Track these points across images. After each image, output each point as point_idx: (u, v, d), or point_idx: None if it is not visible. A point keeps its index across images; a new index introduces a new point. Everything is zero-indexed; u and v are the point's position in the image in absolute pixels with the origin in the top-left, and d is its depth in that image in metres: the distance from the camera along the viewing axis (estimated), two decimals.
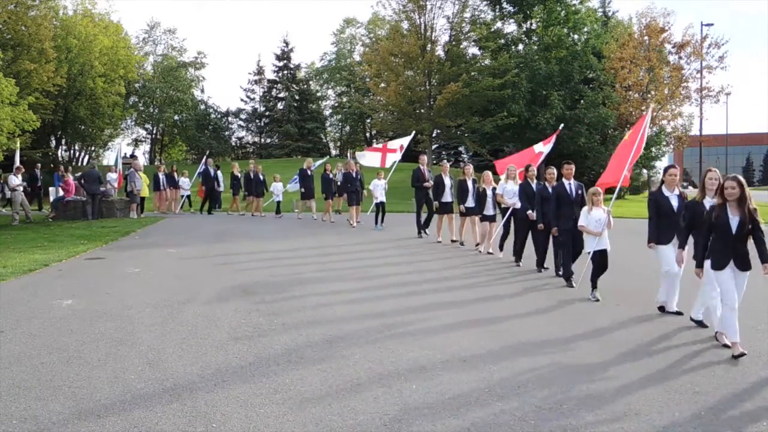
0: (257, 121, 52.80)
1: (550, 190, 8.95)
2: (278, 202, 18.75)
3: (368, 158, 17.78)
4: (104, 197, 18.35)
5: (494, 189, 11.21)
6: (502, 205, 10.94)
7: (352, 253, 11.30)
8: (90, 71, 35.45)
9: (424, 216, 13.73)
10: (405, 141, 18.20)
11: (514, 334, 5.93)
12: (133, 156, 44.82)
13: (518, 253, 9.98)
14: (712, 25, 36.03)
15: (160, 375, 4.76)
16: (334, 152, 57.48)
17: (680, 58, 32.12)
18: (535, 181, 9.94)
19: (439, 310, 6.87)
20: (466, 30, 35.07)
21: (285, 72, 52.07)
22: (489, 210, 11.17)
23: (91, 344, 5.54)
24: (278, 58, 51.99)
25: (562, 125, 15.13)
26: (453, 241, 12.34)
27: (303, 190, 17.54)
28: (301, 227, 15.74)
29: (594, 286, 7.53)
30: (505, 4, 35.07)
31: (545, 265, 9.44)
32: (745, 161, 76.48)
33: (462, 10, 34.24)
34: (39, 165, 23.76)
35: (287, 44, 52.10)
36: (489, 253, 11.07)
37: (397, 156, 17.46)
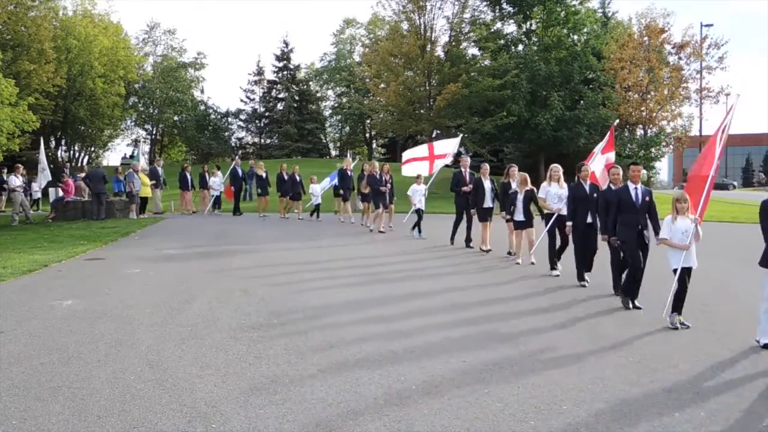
0: (257, 121, 52.82)
1: (602, 192, 7.84)
2: (317, 205, 17.81)
3: (413, 168, 15.63)
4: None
5: (528, 191, 10.11)
6: (545, 211, 9.62)
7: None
8: (90, 72, 35.46)
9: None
10: (454, 145, 16.17)
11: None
12: (132, 156, 44.84)
13: (580, 269, 8.48)
14: (711, 25, 36.16)
15: (160, 375, 4.76)
16: (333, 153, 57.48)
17: (680, 58, 32.15)
18: (588, 182, 8.69)
19: (439, 313, 6.88)
20: (465, 30, 35.05)
21: (285, 72, 52.09)
22: (521, 215, 10.08)
23: (90, 345, 5.54)
24: (278, 58, 52.02)
25: (617, 120, 13.78)
26: (483, 250, 11.41)
27: (342, 191, 16.97)
28: (305, 228, 15.71)
29: (678, 311, 6.31)
30: (504, 5, 35.04)
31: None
32: (744, 161, 76.42)
33: (462, 10, 34.23)
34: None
35: (287, 45, 52.16)
36: (531, 263, 10.03)
37: (447, 160, 15.79)
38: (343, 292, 7.80)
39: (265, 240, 13.11)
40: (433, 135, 37.65)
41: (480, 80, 31.88)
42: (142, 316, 6.51)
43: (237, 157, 20.99)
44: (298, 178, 17.90)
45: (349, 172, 17.08)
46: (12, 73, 25.40)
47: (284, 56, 52.00)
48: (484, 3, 34.85)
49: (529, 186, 10.18)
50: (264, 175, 18.87)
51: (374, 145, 58.90)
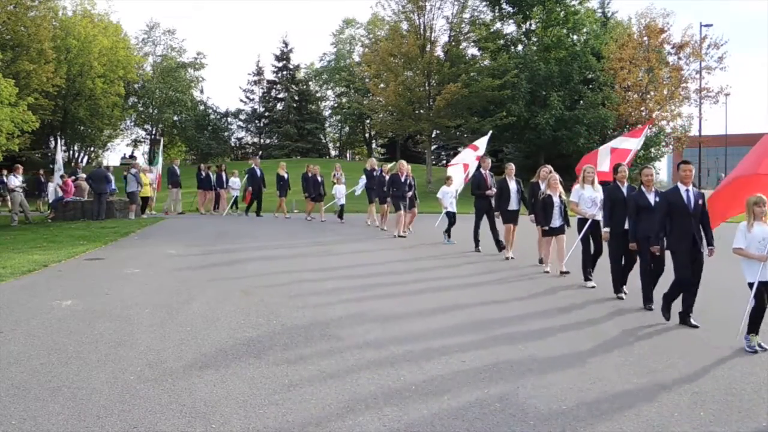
0: (256, 121, 52.75)
1: (650, 196, 7.12)
2: (341, 206, 17.08)
3: (456, 178, 14.40)
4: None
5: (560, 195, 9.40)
6: (577, 216, 8.84)
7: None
8: (89, 72, 35.43)
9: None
10: (483, 143, 15.18)
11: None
12: (132, 157, 44.84)
13: (618, 282, 7.74)
14: (711, 25, 36.19)
15: (160, 376, 4.75)
16: (333, 153, 57.47)
17: (679, 58, 32.15)
18: (625, 183, 7.96)
19: (437, 314, 6.87)
20: (465, 30, 35.06)
21: (284, 72, 52.03)
22: (557, 221, 9.27)
23: (90, 345, 5.53)
24: (277, 58, 51.96)
25: (653, 117, 12.28)
26: (506, 257, 10.73)
27: (368, 193, 16.25)
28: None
29: (755, 331, 5.62)
30: (504, 5, 35.05)
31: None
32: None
33: (461, 10, 34.23)
34: (42, 171, 23.74)
35: (286, 45, 52.06)
36: (563, 272, 9.14)
37: (479, 152, 14.55)
38: (343, 293, 7.80)
39: (266, 240, 13.10)
40: (433, 135, 37.67)
41: (480, 80, 31.89)
42: (141, 316, 6.51)
43: (257, 158, 20.53)
44: (319, 179, 17.31)
45: (374, 173, 16.08)
46: (11, 73, 25.38)
47: (284, 56, 51.95)
48: (484, 3, 34.87)
49: (559, 188, 9.43)
50: (285, 175, 18.27)
51: (374, 145, 58.88)
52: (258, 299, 7.34)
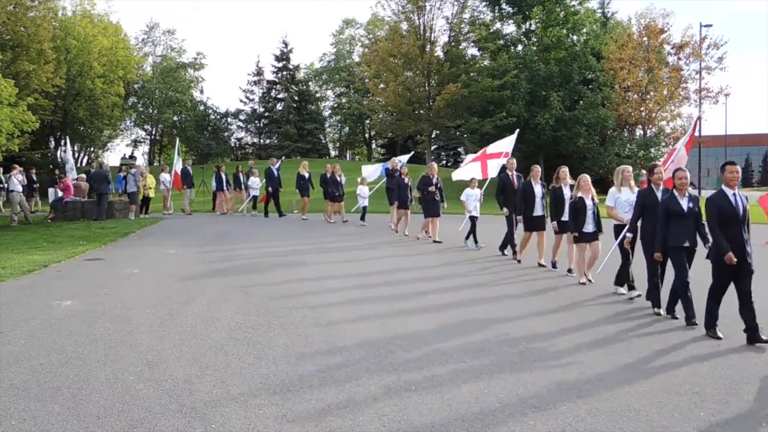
0: (256, 122, 52.75)
1: (683, 201, 6.52)
2: (364, 208, 16.40)
3: (465, 172, 14.26)
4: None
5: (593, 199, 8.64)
6: (614, 222, 8.22)
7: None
8: (89, 72, 35.42)
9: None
10: (510, 142, 14.27)
11: None
12: (132, 157, 44.80)
13: (653, 294, 7.00)
14: (711, 26, 36.19)
15: (160, 376, 4.75)
16: (333, 153, 57.46)
17: (679, 59, 32.16)
18: (661, 185, 7.32)
19: (438, 312, 6.87)
20: (465, 31, 35.11)
21: (284, 73, 52.03)
22: (589, 225, 8.50)
23: (90, 345, 5.53)
24: (277, 59, 51.97)
25: (701, 113, 10.67)
26: (540, 264, 9.97)
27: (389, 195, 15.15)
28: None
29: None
30: (504, 5, 35.07)
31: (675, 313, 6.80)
32: (744, 162, 76.56)
33: (461, 10, 34.29)
34: (34, 169, 23.72)
35: (286, 45, 52.08)
36: (588, 281, 8.54)
37: (503, 160, 12.98)
38: (344, 294, 7.80)
39: (266, 241, 13.10)
40: (433, 135, 37.68)
41: (479, 80, 31.92)
42: (141, 317, 6.51)
43: (275, 158, 19.91)
44: (339, 179, 16.74)
45: (395, 174, 14.92)
46: (11, 73, 25.36)
47: (283, 56, 51.95)
48: (484, 3, 34.89)
49: (591, 191, 8.68)
50: (307, 175, 17.81)
51: (374, 146, 58.92)
52: (258, 299, 7.34)
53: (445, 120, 32.66)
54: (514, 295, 7.85)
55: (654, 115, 31.95)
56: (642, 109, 31.79)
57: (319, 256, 10.97)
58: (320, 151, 52.76)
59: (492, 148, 14.52)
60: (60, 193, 18.85)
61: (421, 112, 33.86)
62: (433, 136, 37.94)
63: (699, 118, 9.84)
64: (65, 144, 21.07)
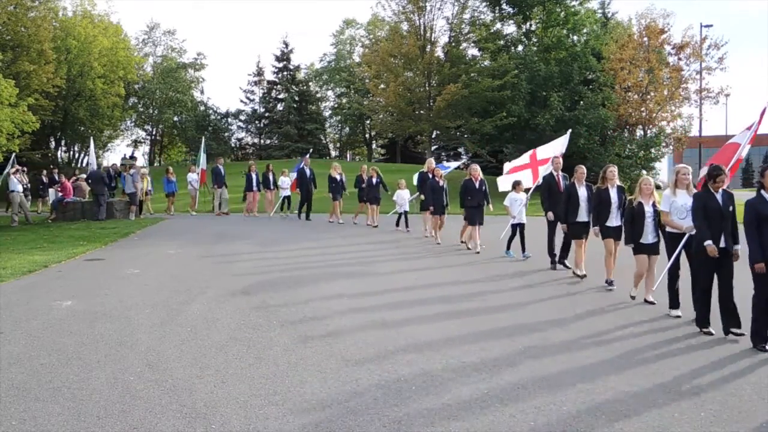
0: (257, 122, 52.72)
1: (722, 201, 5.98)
2: (402, 213, 15.11)
3: (512, 180, 12.10)
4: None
5: (654, 205, 7.47)
6: (666, 229, 7.11)
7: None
8: (89, 72, 35.43)
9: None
10: (563, 143, 12.57)
11: None
12: (132, 157, 44.79)
13: (704, 311, 6.23)
14: (711, 26, 36.16)
15: (160, 376, 4.76)
16: (333, 153, 57.47)
17: (680, 59, 32.12)
18: (721, 191, 6.29)
19: (439, 310, 6.87)
20: (465, 31, 35.12)
21: (284, 73, 51.99)
22: (649, 236, 7.42)
23: (90, 345, 5.54)
24: (278, 59, 51.94)
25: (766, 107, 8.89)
26: (578, 275, 8.96)
27: (423, 197, 13.96)
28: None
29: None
30: (504, 6, 35.06)
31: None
32: (744, 162, 76.57)
33: (461, 11, 34.30)
34: (45, 171, 23.79)
35: (287, 45, 52.04)
36: (647, 301, 7.41)
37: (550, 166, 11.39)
38: (344, 295, 7.79)
39: (266, 241, 13.09)
40: (433, 135, 37.67)
41: (480, 81, 31.92)
42: (141, 317, 6.51)
43: (307, 156, 18.91)
44: (375, 181, 15.83)
45: (428, 177, 13.68)
46: (12, 73, 25.37)
47: (284, 57, 51.92)
48: (484, 3, 34.90)
49: (654, 197, 7.55)
50: (338, 177, 16.91)
51: (374, 146, 58.91)
52: (258, 299, 7.34)
53: (446, 120, 32.65)
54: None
55: (654, 115, 31.91)
56: (642, 109, 31.76)
57: (321, 256, 10.96)
58: (321, 152, 52.72)
59: (542, 152, 12.89)
60: (60, 194, 18.87)
61: (422, 112, 33.86)
62: (433, 136, 37.92)
63: (765, 110, 8.19)
64: (89, 146, 21.48)
